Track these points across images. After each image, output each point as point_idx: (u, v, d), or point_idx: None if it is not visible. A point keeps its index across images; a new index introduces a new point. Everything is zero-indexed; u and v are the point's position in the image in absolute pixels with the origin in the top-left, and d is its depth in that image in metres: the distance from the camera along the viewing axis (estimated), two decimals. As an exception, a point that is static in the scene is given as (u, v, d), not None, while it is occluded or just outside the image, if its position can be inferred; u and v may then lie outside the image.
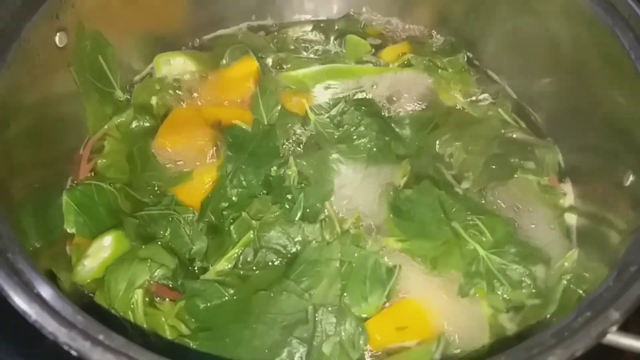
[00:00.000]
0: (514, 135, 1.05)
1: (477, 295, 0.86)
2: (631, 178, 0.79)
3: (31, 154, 0.86)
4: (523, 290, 0.86)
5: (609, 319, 0.56)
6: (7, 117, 0.80)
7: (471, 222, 0.91)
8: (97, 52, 1.01)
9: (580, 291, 0.80)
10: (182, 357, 0.77)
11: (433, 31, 1.20)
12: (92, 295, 0.86)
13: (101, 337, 0.55)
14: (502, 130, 1.05)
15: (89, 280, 0.87)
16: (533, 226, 0.93)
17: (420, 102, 1.09)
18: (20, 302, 0.56)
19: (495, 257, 0.88)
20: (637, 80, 0.81)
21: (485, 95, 1.12)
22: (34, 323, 0.55)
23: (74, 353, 0.53)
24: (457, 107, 1.10)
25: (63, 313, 0.56)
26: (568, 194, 0.98)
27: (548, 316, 0.83)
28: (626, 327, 0.58)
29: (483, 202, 0.96)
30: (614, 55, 0.86)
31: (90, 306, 0.82)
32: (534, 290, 0.86)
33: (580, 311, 0.59)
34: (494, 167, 0.99)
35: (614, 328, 0.56)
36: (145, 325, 0.83)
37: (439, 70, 1.13)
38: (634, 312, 0.58)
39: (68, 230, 0.92)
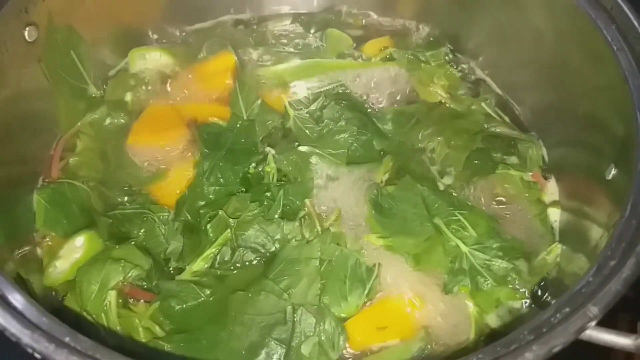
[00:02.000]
0: (497, 130, 1.05)
1: (461, 292, 0.86)
2: (613, 172, 0.79)
3: (4, 155, 0.85)
4: (508, 286, 0.86)
5: (587, 314, 0.56)
6: None
7: (454, 218, 0.91)
8: (68, 46, 1.00)
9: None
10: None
11: (415, 24, 1.19)
12: (62, 298, 0.85)
13: (67, 339, 0.54)
14: (486, 125, 1.05)
15: (60, 282, 0.86)
16: (515, 221, 0.94)
17: (402, 97, 1.09)
18: None
19: (479, 252, 0.88)
20: (618, 73, 0.81)
21: (468, 89, 1.12)
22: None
23: (37, 356, 0.52)
24: (440, 102, 1.09)
25: (27, 315, 0.56)
26: (551, 189, 0.99)
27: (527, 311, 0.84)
28: (614, 325, 0.58)
29: (465, 197, 0.96)
30: (596, 48, 0.86)
31: (61, 310, 0.81)
32: (518, 286, 0.86)
33: (559, 307, 0.59)
34: (476, 162, 0.99)
35: (593, 323, 0.56)
36: (119, 328, 0.82)
37: (422, 64, 1.12)
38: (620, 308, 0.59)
39: (39, 230, 0.91)
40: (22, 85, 0.92)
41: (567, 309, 0.58)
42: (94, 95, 1.07)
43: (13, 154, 0.89)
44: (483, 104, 1.09)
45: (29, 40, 0.91)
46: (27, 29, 0.91)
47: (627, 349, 0.56)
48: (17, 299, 0.58)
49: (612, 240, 0.65)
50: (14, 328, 0.54)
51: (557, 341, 0.54)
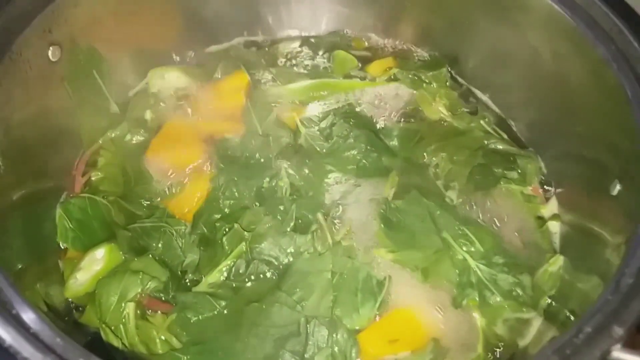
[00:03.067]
0: (497, 146, 0.98)
1: (469, 305, 0.80)
2: (618, 187, 0.72)
3: (25, 168, 0.79)
4: (514, 301, 0.79)
5: (612, 336, 0.49)
6: (3, 141, 0.72)
7: (460, 232, 0.84)
8: (91, 66, 0.94)
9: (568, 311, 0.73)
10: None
11: (417, 47, 1.13)
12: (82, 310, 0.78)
13: (82, 361, 0.47)
14: (485, 142, 0.99)
15: (81, 295, 0.79)
16: (517, 234, 0.87)
17: (406, 115, 1.03)
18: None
19: (485, 267, 0.81)
20: (620, 91, 0.74)
21: (468, 107, 1.05)
22: (9, 348, 0.47)
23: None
24: (442, 120, 1.03)
25: (41, 336, 0.49)
26: (551, 203, 0.92)
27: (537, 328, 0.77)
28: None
29: (469, 210, 0.89)
30: (596, 67, 0.79)
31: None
32: (522, 300, 0.79)
33: (580, 327, 0.52)
34: (478, 177, 0.92)
35: (619, 346, 0.49)
36: (137, 339, 0.75)
37: (424, 84, 1.06)
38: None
39: (61, 244, 0.84)
40: (46, 103, 0.86)
41: (589, 329, 0.51)
42: (115, 113, 1.00)
43: (38, 170, 0.83)
44: (482, 122, 1.03)
45: (53, 59, 0.85)
46: (51, 48, 0.84)
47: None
48: (31, 318, 0.50)
49: (627, 257, 0.58)
50: (27, 351, 0.46)
51: (584, 365, 0.47)
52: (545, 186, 0.95)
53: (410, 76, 1.07)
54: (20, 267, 0.69)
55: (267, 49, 1.14)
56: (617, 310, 0.52)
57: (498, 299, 0.79)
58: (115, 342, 0.73)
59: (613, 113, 0.76)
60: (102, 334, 0.74)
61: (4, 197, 0.73)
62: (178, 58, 1.10)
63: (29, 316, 0.50)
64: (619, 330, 0.49)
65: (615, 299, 0.53)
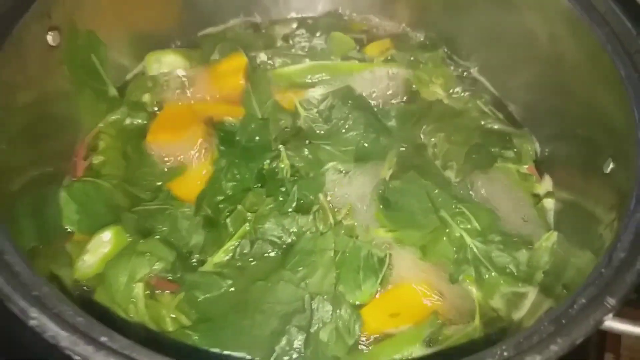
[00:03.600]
0: (494, 126, 1.01)
1: (466, 280, 0.83)
2: (611, 165, 0.75)
3: (27, 154, 0.80)
4: (508, 276, 0.83)
5: (605, 306, 0.53)
6: (2, 117, 0.73)
7: (457, 211, 0.87)
8: (90, 50, 0.95)
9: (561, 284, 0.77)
10: (185, 354, 0.72)
11: (413, 27, 1.15)
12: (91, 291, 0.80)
13: (103, 339, 0.49)
14: (482, 122, 1.02)
15: (89, 276, 0.81)
16: (514, 212, 0.90)
17: (404, 95, 1.05)
18: (19, 305, 0.50)
19: (482, 244, 0.85)
20: (614, 72, 0.77)
21: (464, 88, 1.07)
22: (34, 327, 0.49)
23: (77, 358, 0.47)
24: (439, 100, 1.05)
25: (63, 315, 0.51)
26: (546, 181, 0.95)
27: (532, 301, 0.81)
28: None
29: (467, 189, 0.92)
30: (591, 49, 0.82)
31: (92, 303, 0.76)
32: (517, 276, 0.83)
33: (575, 298, 0.55)
34: (475, 156, 0.95)
35: (611, 315, 0.52)
36: (147, 318, 0.78)
37: (421, 65, 1.08)
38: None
39: (66, 227, 0.85)
40: (46, 87, 0.87)
41: (584, 300, 0.54)
42: (114, 97, 1.00)
43: (40, 154, 0.84)
44: (478, 102, 1.05)
45: (52, 44, 0.86)
46: (50, 33, 0.85)
47: (642, 338, 0.52)
48: (52, 299, 0.53)
49: (620, 233, 0.61)
50: (52, 330, 0.49)
51: (579, 332, 0.51)
52: (540, 165, 0.98)
53: (407, 57, 1.09)
54: (31, 250, 0.71)
55: (263, 30, 1.15)
56: (609, 283, 0.55)
57: (493, 274, 0.82)
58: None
59: (607, 94, 0.79)
60: (116, 311, 0.76)
61: (8, 182, 0.74)
62: (175, 41, 1.10)
63: (50, 297, 0.53)
64: (611, 301, 0.52)
65: (608, 272, 0.57)
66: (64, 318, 0.51)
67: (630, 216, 0.62)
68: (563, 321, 0.53)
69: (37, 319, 0.49)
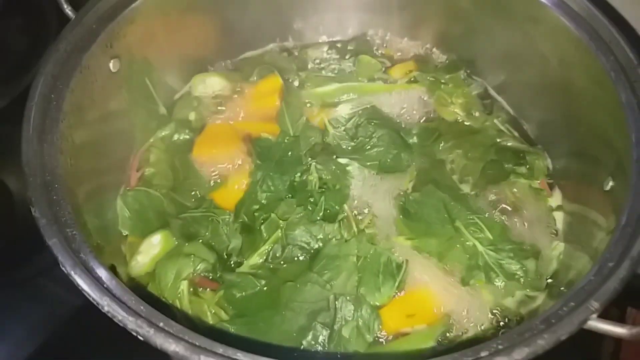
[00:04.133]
0: (508, 144, 1.08)
1: (477, 285, 0.90)
2: (611, 183, 0.82)
3: (91, 164, 0.90)
4: (516, 282, 0.90)
5: (589, 308, 0.60)
6: (73, 136, 0.84)
7: (471, 221, 0.95)
8: (144, 75, 1.05)
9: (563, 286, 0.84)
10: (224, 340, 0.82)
11: (436, 50, 1.23)
12: (145, 286, 0.91)
13: (161, 324, 0.60)
14: (498, 139, 1.08)
15: (142, 274, 0.92)
16: (525, 223, 0.97)
17: (425, 114, 1.13)
18: (94, 295, 0.61)
19: (493, 252, 0.92)
20: (615, 97, 0.84)
21: (483, 107, 1.15)
22: (107, 313, 0.60)
23: (140, 338, 0.58)
24: (458, 119, 1.13)
25: (129, 304, 0.62)
26: (556, 195, 1.02)
27: (539, 303, 0.87)
28: (605, 315, 0.62)
29: (482, 202, 1.00)
30: (596, 74, 0.89)
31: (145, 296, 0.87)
32: (524, 282, 0.90)
33: (565, 302, 0.62)
34: (490, 171, 1.02)
35: (595, 316, 0.60)
36: (190, 312, 0.88)
37: (442, 86, 1.15)
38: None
39: (122, 231, 0.97)
40: (107, 108, 0.97)
41: (573, 304, 0.62)
42: (163, 115, 1.11)
43: (101, 165, 0.95)
44: (495, 121, 1.12)
45: (113, 70, 0.97)
46: (112, 61, 0.96)
47: (622, 336, 0.59)
48: (119, 290, 0.63)
49: (610, 244, 0.68)
50: (121, 315, 0.59)
51: (564, 330, 0.58)
52: (551, 180, 1.04)
53: (429, 78, 1.16)
54: (95, 247, 0.82)
55: (297, 54, 1.24)
56: (596, 288, 0.62)
57: (502, 281, 0.90)
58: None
59: (609, 117, 0.85)
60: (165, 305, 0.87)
61: (76, 190, 0.85)
62: (218, 64, 1.20)
63: (116, 288, 0.63)
64: (595, 305, 0.59)
65: (596, 279, 0.64)
66: (129, 306, 0.61)
67: (621, 229, 0.69)
68: (552, 321, 0.60)
69: (109, 306, 0.60)
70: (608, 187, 0.82)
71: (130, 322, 0.59)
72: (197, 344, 0.57)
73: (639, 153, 0.77)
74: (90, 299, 0.61)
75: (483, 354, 0.56)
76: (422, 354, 0.82)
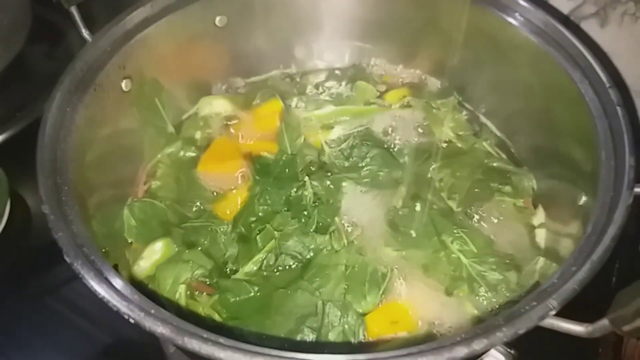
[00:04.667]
0: (495, 164, 1.13)
1: (460, 294, 0.94)
2: (584, 198, 0.87)
3: (101, 175, 0.97)
4: (498, 292, 0.94)
5: (548, 306, 0.64)
6: (85, 147, 0.91)
7: (457, 235, 0.99)
8: (154, 95, 1.13)
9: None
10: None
11: (429, 77, 1.29)
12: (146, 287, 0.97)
13: (152, 310, 0.65)
14: (485, 160, 1.13)
15: (143, 277, 0.98)
16: (509, 239, 1.01)
17: (417, 136, 1.19)
18: (93, 283, 0.67)
19: (476, 265, 0.96)
20: (589, 119, 0.89)
21: (472, 131, 1.21)
22: (103, 299, 0.66)
23: (131, 321, 0.64)
24: (448, 141, 1.18)
25: (124, 292, 0.67)
26: (539, 214, 1.06)
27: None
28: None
29: (468, 219, 1.04)
30: (573, 99, 0.94)
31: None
32: (507, 293, 0.93)
33: (528, 301, 0.67)
34: (477, 190, 1.07)
35: (552, 313, 0.64)
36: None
37: (434, 110, 1.22)
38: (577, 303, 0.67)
39: (127, 238, 1.03)
40: (118, 125, 1.05)
41: (534, 303, 0.66)
42: (171, 133, 1.19)
43: (111, 178, 1.02)
44: (484, 143, 1.17)
45: (125, 90, 1.04)
46: (124, 81, 1.03)
47: (580, 335, 0.63)
48: (117, 282, 0.69)
49: (575, 251, 0.73)
50: (115, 300, 0.65)
51: (522, 325, 0.62)
52: (535, 199, 1.08)
53: (422, 103, 1.23)
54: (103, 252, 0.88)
55: (298, 79, 1.32)
56: (556, 289, 0.66)
57: (484, 291, 0.93)
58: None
59: (585, 138, 0.90)
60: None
61: (88, 200, 0.91)
62: (224, 87, 1.28)
63: (115, 279, 0.69)
64: (554, 303, 0.63)
65: (559, 282, 0.68)
66: (124, 294, 0.67)
67: (586, 238, 0.74)
68: (513, 317, 0.64)
69: (106, 293, 0.66)
70: (581, 202, 0.87)
71: (123, 307, 0.64)
72: (182, 327, 0.62)
73: (607, 170, 0.81)
74: (89, 286, 0.67)
75: (445, 343, 0.60)
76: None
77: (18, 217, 1.26)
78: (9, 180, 1.22)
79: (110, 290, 0.66)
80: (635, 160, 0.79)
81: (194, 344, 0.61)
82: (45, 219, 1.21)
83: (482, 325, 0.64)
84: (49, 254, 1.20)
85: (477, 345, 0.60)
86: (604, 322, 0.60)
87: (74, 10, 0.99)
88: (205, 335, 0.62)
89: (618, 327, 0.58)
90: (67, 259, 0.69)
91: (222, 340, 0.62)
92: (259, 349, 0.62)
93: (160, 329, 0.62)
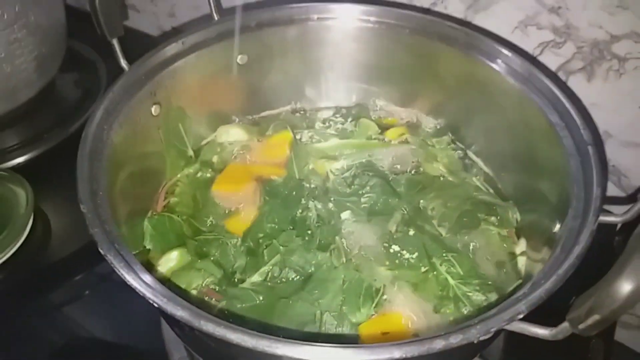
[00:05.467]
0: (483, 198, 1.22)
1: (447, 312, 1.02)
2: (557, 226, 0.96)
3: (129, 189, 1.06)
4: (481, 311, 1.01)
5: (517, 310, 0.72)
6: (117, 161, 1.01)
7: (445, 258, 1.08)
8: (178, 121, 1.23)
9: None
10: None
11: (426, 117, 1.40)
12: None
13: (173, 298, 0.74)
14: (474, 193, 1.23)
15: (159, 282, 1.07)
16: (492, 264, 1.10)
17: (413, 169, 1.29)
18: (123, 272, 0.76)
19: (462, 286, 1.04)
20: (564, 158, 0.99)
21: (463, 167, 1.31)
22: (131, 285, 0.75)
23: (155, 305, 0.72)
24: (441, 175, 1.28)
25: (150, 283, 0.76)
26: (521, 243, 1.14)
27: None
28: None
29: (455, 244, 1.13)
30: (552, 140, 1.04)
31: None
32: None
33: (501, 308, 0.75)
34: (465, 219, 1.16)
35: (520, 316, 0.72)
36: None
37: (429, 147, 1.33)
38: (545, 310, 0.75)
39: (146, 247, 1.12)
40: (146, 145, 1.15)
41: (507, 307, 0.74)
42: (190, 156, 1.29)
43: (136, 192, 1.11)
44: (474, 179, 1.27)
45: (154, 114, 1.15)
46: (154, 106, 1.14)
47: (545, 337, 0.71)
48: (143, 274, 0.78)
49: (545, 267, 0.82)
50: (143, 288, 0.74)
51: (493, 324, 0.70)
52: (518, 230, 1.17)
53: (419, 141, 1.34)
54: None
55: (308, 114, 1.43)
56: (526, 296, 0.75)
57: (468, 310, 1.01)
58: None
59: (561, 178, 0.99)
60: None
61: (116, 209, 0.99)
62: (240, 118, 1.39)
63: (142, 272, 0.78)
64: (522, 307, 0.72)
65: (529, 291, 0.77)
66: (149, 284, 0.76)
67: (555, 258, 0.83)
68: (487, 318, 0.73)
69: (135, 281, 0.75)
70: (555, 229, 0.96)
71: (149, 293, 0.73)
72: (198, 312, 0.71)
73: (577, 200, 0.91)
74: (119, 274, 0.76)
75: (427, 337, 0.68)
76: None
77: (39, 231, 1.36)
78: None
79: (138, 279, 0.75)
80: (601, 191, 0.88)
81: (209, 327, 0.69)
82: (64, 234, 1.33)
83: (461, 326, 0.72)
84: (65, 268, 1.31)
85: (454, 339, 0.68)
86: (565, 325, 0.68)
87: (115, 42, 1.11)
88: (217, 320, 0.71)
89: (575, 327, 0.66)
90: (101, 251, 0.78)
91: (233, 324, 0.70)
92: (264, 334, 0.70)
93: (180, 312, 0.71)
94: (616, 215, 0.88)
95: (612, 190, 1.40)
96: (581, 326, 0.65)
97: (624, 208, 0.90)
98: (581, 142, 0.99)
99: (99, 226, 0.82)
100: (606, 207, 1.32)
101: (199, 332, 0.71)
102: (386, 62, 1.35)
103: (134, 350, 1.19)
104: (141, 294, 0.74)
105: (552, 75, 1.26)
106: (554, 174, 1.04)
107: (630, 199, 1.39)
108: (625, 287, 0.60)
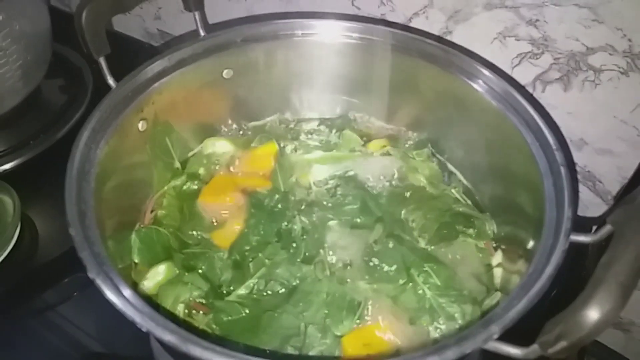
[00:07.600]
0: (461, 209, 1.24)
1: (422, 324, 1.04)
2: (531, 243, 0.98)
3: (117, 204, 1.06)
4: (454, 322, 1.04)
5: (491, 330, 0.74)
6: (105, 178, 1.00)
7: (423, 270, 1.09)
8: (165, 135, 1.23)
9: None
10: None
11: (407, 130, 1.41)
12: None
13: (161, 322, 0.75)
14: (453, 205, 1.24)
15: (146, 296, 1.07)
16: (469, 275, 1.12)
17: (394, 181, 1.30)
18: (111, 296, 0.77)
19: (438, 297, 1.06)
20: (537, 176, 1.01)
21: (443, 179, 1.33)
22: (120, 310, 0.75)
23: (144, 330, 0.73)
24: (421, 187, 1.30)
25: (137, 305, 0.77)
26: (497, 255, 1.16)
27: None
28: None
29: (434, 255, 1.15)
30: (527, 158, 1.06)
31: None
32: (461, 322, 1.03)
33: (475, 327, 0.76)
34: (444, 231, 1.17)
35: (495, 337, 0.74)
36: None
37: (410, 159, 1.34)
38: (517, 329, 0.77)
39: (134, 260, 1.12)
40: (133, 160, 1.15)
41: (481, 328, 0.76)
42: (177, 169, 1.29)
43: (124, 206, 1.11)
44: (453, 190, 1.29)
45: (141, 130, 1.15)
46: (141, 122, 1.14)
47: (517, 357, 0.73)
48: (131, 297, 0.79)
49: (518, 287, 0.84)
50: (131, 312, 0.75)
51: (469, 346, 0.72)
52: (494, 242, 1.20)
53: (400, 153, 1.35)
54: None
55: (292, 126, 1.43)
56: (499, 317, 0.77)
57: (443, 322, 1.03)
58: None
59: (535, 196, 1.00)
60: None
61: (103, 226, 0.99)
62: (226, 130, 1.39)
63: (131, 296, 0.79)
64: (495, 328, 0.74)
65: (502, 312, 0.79)
66: (138, 308, 0.77)
67: (528, 276, 0.85)
68: (463, 339, 0.75)
69: (123, 305, 0.76)
70: (529, 246, 0.98)
71: (138, 317, 0.74)
72: (186, 336, 0.72)
73: (550, 220, 0.93)
74: (108, 298, 0.76)
75: (400, 358, 0.70)
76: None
77: (26, 237, 1.35)
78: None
79: (126, 303, 0.76)
80: (573, 212, 0.90)
81: (197, 351, 0.70)
82: (50, 239, 1.33)
83: (436, 345, 0.74)
84: (53, 272, 1.31)
85: (430, 361, 0.70)
86: (535, 347, 0.70)
87: (102, 60, 1.10)
88: (204, 344, 0.72)
89: (545, 350, 0.68)
90: (90, 275, 0.78)
91: (218, 348, 0.71)
92: (250, 357, 0.71)
93: (168, 337, 0.71)
94: (586, 235, 0.90)
95: (588, 195, 1.42)
96: (550, 350, 0.67)
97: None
98: (554, 162, 1.01)
99: (87, 249, 0.82)
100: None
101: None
102: (368, 76, 1.35)
103: (123, 355, 1.20)
104: (130, 319, 0.74)
105: (528, 95, 1.28)
106: (529, 190, 1.06)
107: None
108: (591, 316, 0.63)
